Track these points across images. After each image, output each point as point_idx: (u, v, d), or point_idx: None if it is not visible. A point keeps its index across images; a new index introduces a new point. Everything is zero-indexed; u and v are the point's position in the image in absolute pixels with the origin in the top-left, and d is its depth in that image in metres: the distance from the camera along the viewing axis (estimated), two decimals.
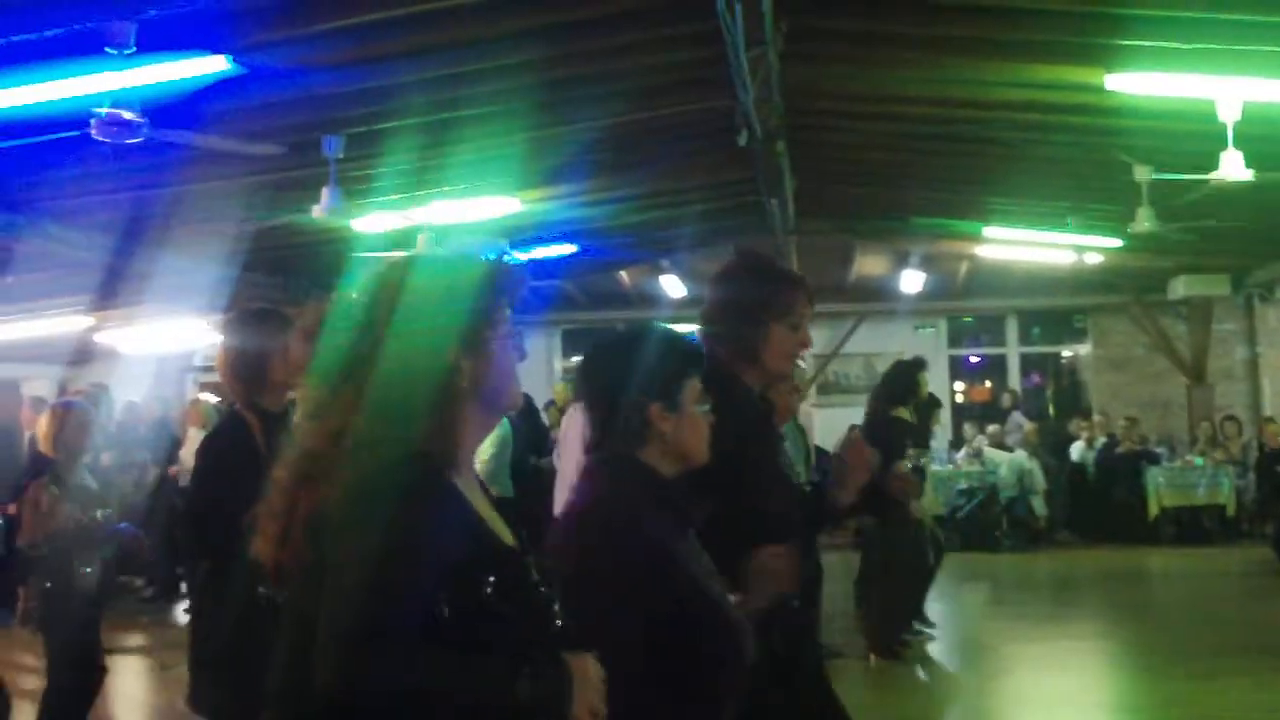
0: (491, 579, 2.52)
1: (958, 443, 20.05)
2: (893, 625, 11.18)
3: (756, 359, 4.06)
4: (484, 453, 12.31)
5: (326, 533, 2.46)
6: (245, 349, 5.33)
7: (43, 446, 7.30)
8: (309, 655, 2.41)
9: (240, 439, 5.18)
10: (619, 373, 3.20)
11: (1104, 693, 9.91)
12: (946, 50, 9.77)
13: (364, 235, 12.38)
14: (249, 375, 5.30)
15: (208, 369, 18.82)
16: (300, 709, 2.48)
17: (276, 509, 2.61)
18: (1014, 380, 22.95)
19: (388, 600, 2.39)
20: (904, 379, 11.11)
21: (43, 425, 7.31)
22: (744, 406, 3.91)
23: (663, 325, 3.43)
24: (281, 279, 15.68)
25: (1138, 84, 9.00)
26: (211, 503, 5.04)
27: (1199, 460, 18.39)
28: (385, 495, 2.45)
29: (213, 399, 15.43)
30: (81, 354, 17.61)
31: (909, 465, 7.89)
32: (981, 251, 18.01)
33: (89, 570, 6.95)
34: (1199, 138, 10.01)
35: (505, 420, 12.77)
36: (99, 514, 7.14)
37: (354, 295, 2.74)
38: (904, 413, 10.89)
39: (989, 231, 16.20)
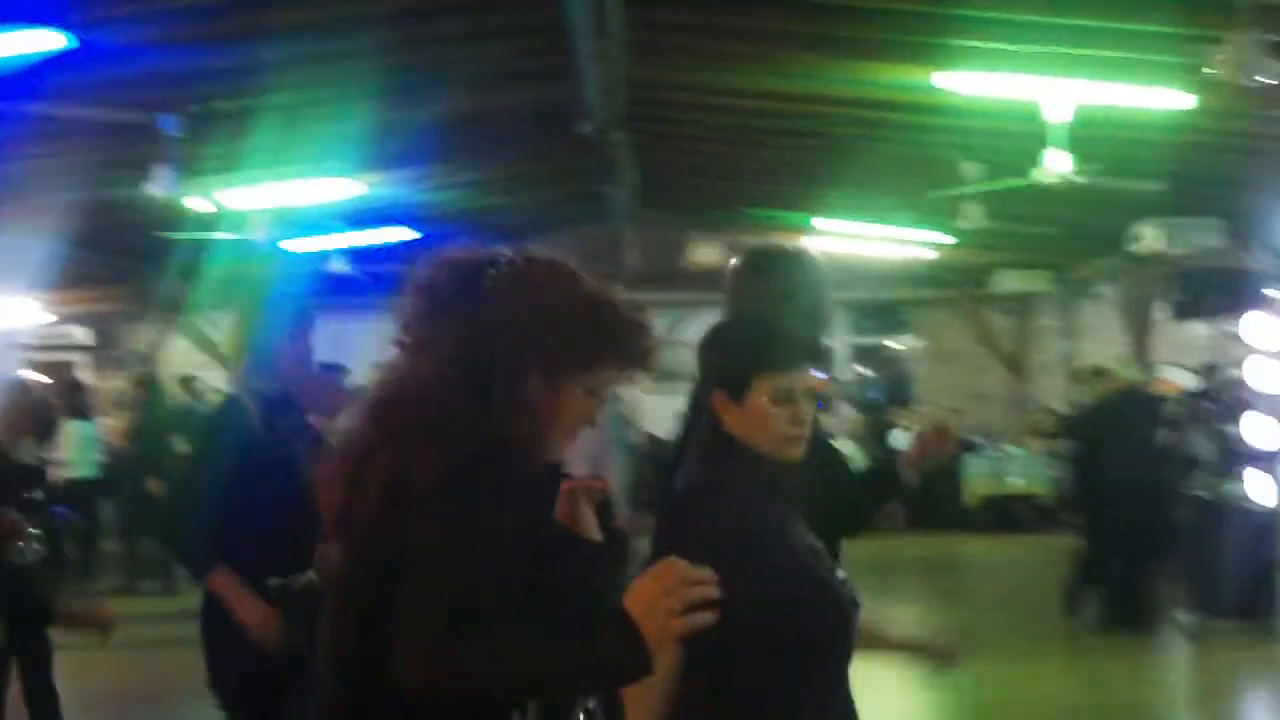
0: (564, 567, 2.56)
1: None
2: None
3: None
4: None
5: (406, 504, 2.42)
6: None
7: None
8: (366, 631, 2.42)
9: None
10: (703, 357, 3.27)
11: (918, 674, 10.18)
12: (784, 45, 9.96)
13: (200, 215, 12.25)
14: None
15: (41, 348, 18.38)
16: (364, 693, 2.48)
17: (350, 460, 2.58)
18: (841, 370, 23.33)
19: (478, 590, 2.36)
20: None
21: None
22: None
23: (767, 318, 3.47)
24: (113, 257, 15.43)
25: (964, 83, 9.26)
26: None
27: (1016, 450, 18.92)
28: (475, 479, 2.43)
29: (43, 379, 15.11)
30: None
31: None
32: (813, 243, 18.28)
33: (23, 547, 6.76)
34: (1025, 137, 10.32)
35: None
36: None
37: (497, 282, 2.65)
38: None
39: (820, 224, 16.48)
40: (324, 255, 15.75)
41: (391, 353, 2.73)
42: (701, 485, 3.13)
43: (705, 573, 2.37)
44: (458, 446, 2.45)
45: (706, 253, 20.77)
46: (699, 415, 3.29)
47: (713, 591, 2.37)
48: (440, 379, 2.53)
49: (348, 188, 12.44)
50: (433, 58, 9.97)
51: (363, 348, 20.34)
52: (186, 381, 14.49)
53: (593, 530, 2.81)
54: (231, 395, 5.55)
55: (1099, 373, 13.02)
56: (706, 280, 21.54)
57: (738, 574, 2.57)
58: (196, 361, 18.01)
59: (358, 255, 16.28)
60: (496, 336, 2.55)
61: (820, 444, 3.51)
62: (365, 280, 17.47)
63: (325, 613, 2.62)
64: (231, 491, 4.88)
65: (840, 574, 3.18)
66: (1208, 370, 16.79)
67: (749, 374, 3.09)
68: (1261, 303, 12.07)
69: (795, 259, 4.24)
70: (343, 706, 2.54)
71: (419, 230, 15.80)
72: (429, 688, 2.34)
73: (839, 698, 3.23)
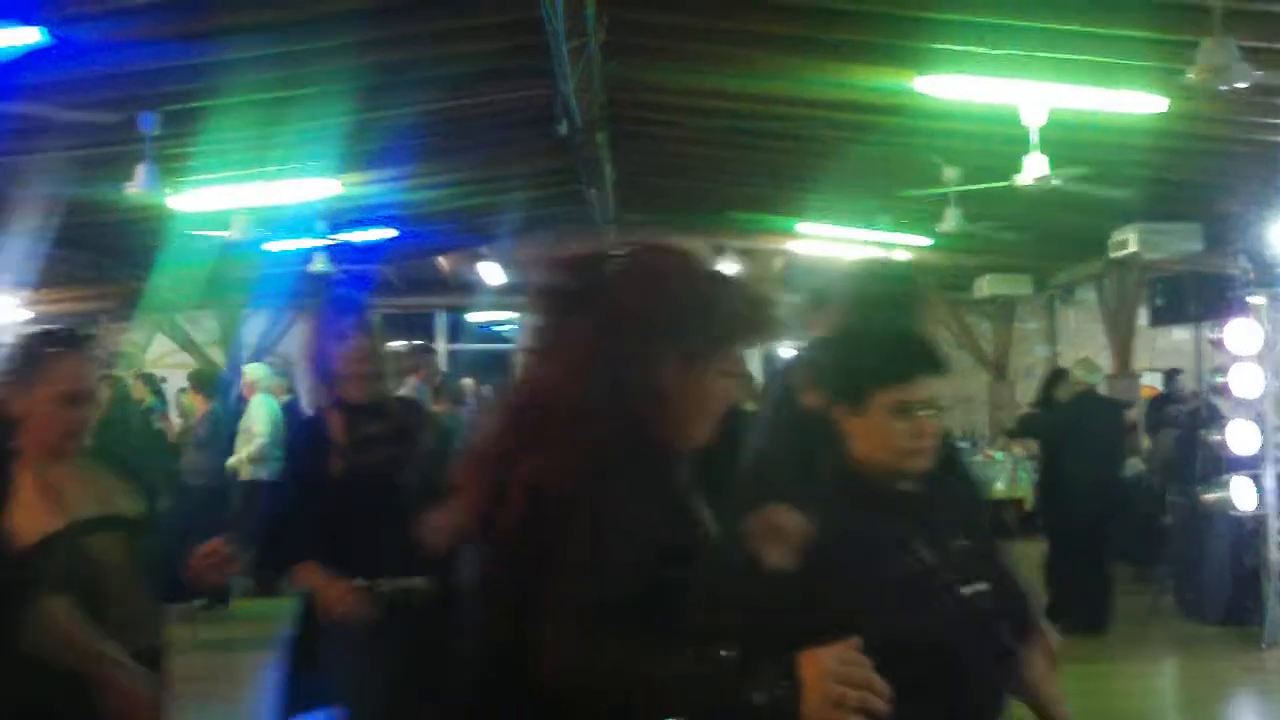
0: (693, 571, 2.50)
1: None
2: None
3: None
4: (259, 431, 12.32)
5: (550, 506, 2.44)
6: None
7: None
8: (511, 631, 2.44)
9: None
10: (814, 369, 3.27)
11: None
12: (765, 48, 9.97)
13: (180, 214, 12.22)
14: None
15: None
16: (506, 691, 2.50)
17: (490, 463, 2.59)
18: None
19: (617, 581, 2.37)
20: None
21: None
22: None
23: (883, 329, 3.37)
24: (94, 256, 15.39)
25: (945, 87, 9.28)
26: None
27: (999, 455, 18.93)
28: (615, 471, 2.45)
29: None
30: None
31: None
32: (795, 247, 18.32)
33: None
34: (1004, 141, 10.36)
35: (271, 400, 12.76)
36: None
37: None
38: None
39: (803, 227, 16.50)
40: (305, 255, 15.73)
41: (522, 359, 2.71)
42: (848, 530, 2.99)
43: (884, 687, 2.32)
44: (600, 446, 2.46)
45: None
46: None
47: (882, 707, 2.32)
48: (577, 380, 2.52)
49: (327, 187, 12.41)
50: (412, 56, 9.94)
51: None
52: (149, 380, 14.43)
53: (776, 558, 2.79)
54: (301, 407, 5.61)
55: (1058, 375, 13.05)
56: None
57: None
58: (179, 361, 18.02)
59: (338, 254, 16.25)
60: (627, 331, 2.53)
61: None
62: (345, 280, 17.46)
63: (467, 613, 2.67)
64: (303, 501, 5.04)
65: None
66: (1169, 376, 16.88)
67: (868, 387, 3.04)
68: (1240, 308, 12.08)
69: (900, 269, 4.32)
70: (484, 705, 2.56)
71: (396, 230, 15.80)
72: (569, 684, 2.35)
73: None
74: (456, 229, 17.20)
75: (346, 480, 4.98)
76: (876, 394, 3.02)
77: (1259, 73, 7.51)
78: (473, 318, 22.60)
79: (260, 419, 12.39)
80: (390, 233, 15.91)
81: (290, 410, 12.36)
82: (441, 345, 22.24)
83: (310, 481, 5.06)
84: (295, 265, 15.99)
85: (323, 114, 10.42)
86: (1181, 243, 13.49)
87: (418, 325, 21.71)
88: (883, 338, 3.25)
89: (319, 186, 12.40)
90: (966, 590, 3.01)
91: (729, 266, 20.27)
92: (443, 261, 20.94)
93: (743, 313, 2.64)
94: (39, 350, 3.72)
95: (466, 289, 21.10)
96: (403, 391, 11.61)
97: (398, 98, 10.59)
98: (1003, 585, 3.09)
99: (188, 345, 18.58)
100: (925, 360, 3.11)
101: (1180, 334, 17.56)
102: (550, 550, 2.40)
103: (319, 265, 15.75)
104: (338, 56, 9.28)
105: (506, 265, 19.87)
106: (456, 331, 22.58)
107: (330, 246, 15.65)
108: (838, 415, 3.06)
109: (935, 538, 3.02)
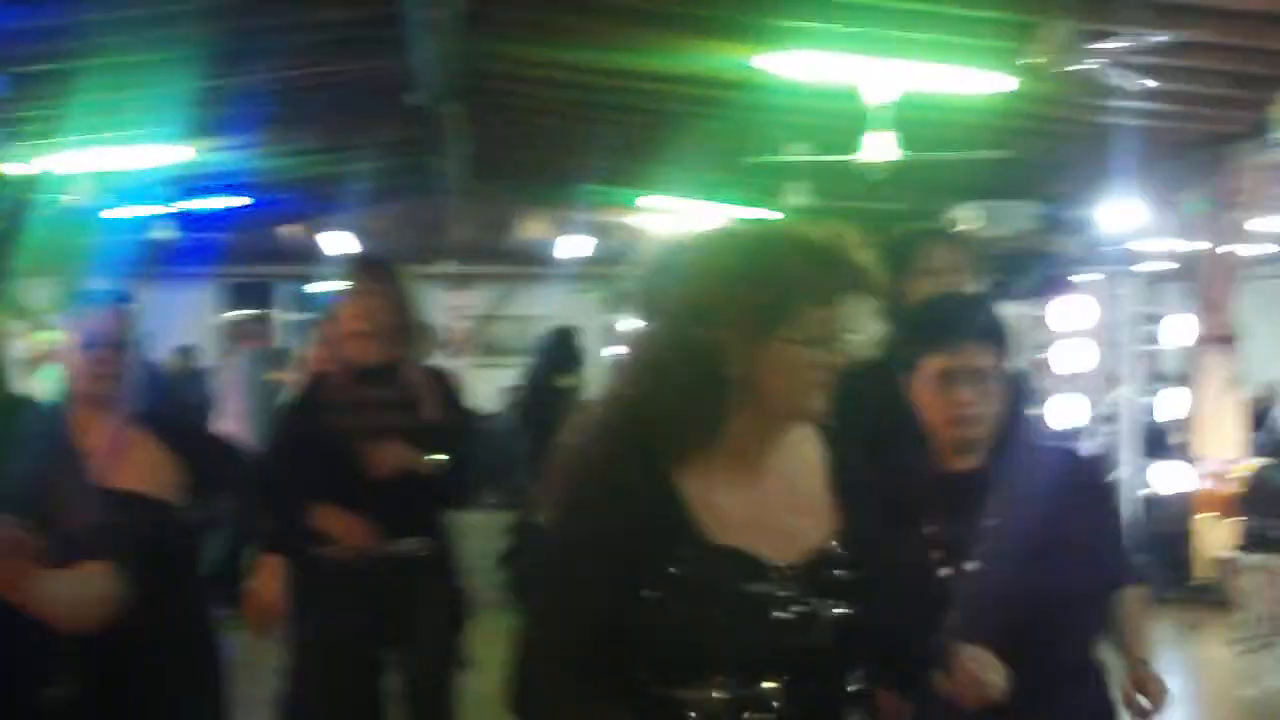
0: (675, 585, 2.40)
1: None
2: None
3: None
4: None
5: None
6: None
7: None
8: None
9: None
10: None
11: None
12: (614, 21, 10.08)
13: (23, 179, 11.99)
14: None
15: None
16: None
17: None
18: None
19: (549, 612, 2.48)
20: (564, 345, 11.34)
21: None
22: None
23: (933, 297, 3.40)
24: None
25: (786, 63, 9.44)
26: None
27: None
28: (583, 486, 2.49)
29: None
30: None
31: None
32: (641, 220, 18.47)
33: None
34: (849, 117, 10.55)
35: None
36: None
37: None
38: (568, 379, 11.13)
39: (649, 200, 16.65)
40: (151, 221, 15.51)
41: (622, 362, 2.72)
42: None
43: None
44: (699, 434, 2.44)
45: (535, 227, 20.86)
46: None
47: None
48: (664, 374, 2.48)
49: (175, 153, 12.26)
50: (266, 23, 9.88)
51: (186, 315, 20.14)
52: None
53: None
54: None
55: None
56: (534, 255, 21.73)
57: None
58: (14, 329, 17.63)
59: (185, 222, 16.04)
60: (689, 319, 2.46)
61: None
62: (190, 247, 17.23)
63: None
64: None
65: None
66: None
67: (917, 353, 3.12)
68: (1069, 285, 12.51)
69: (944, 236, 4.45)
70: None
71: (248, 197, 15.64)
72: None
73: None
74: (307, 197, 17.08)
75: (335, 444, 4.94)
76: (922, 360, 3.14)
77: (1095, 56, 7.80)
78: (318, 287, 22.35)
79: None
80: (241, 200, 15.74)
81: None
82: (284, 315, 22.02)
83: (300, 444, 5.06)
84: (140, 232, 15.76)
85: (173, 79, 10.30)
86: (1017, 221, 13.85)
87: (261, 294, 21.49)
88: (927, 304, 3.37)
89: (168, 152, 12.23)
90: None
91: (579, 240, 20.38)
92: (289, 230, 20.73)
93: (799, 274, 2.44)
94: None
95: (314, 258, 20.91)
96: (237, 359, 11.51)
97: (250, 64, 10.51)
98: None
99: (23, 313, 18.19)
100: (969, 327, 3.19)
101: (1015, 310, 17.97)
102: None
103: (164, 232, 15.54)
104: (189, 21, 9.19)
105: (357, 234, 19.72)
106: (298, 301, 22.35)
107: (177, 213, 15.44)
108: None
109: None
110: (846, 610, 2.44)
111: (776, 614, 2.39)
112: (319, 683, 4.98)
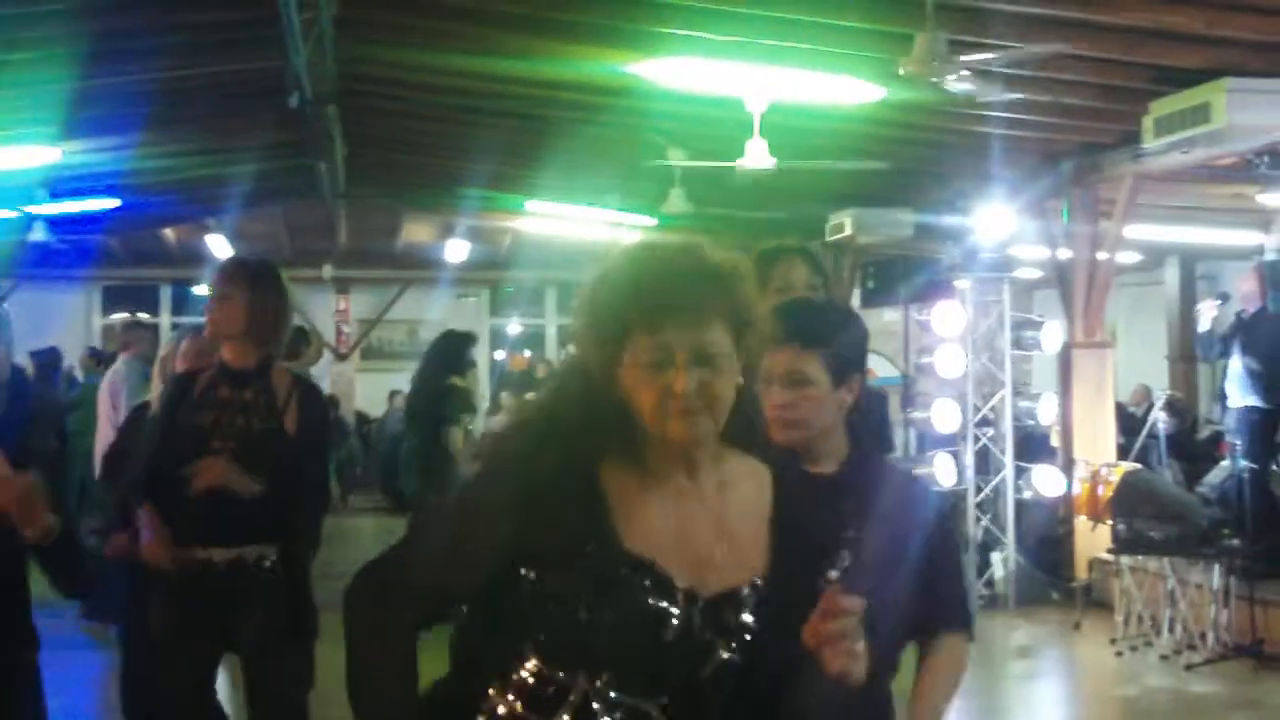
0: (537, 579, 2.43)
1: (494, 409, 20.52)
2: None
3: None
4: None
5: None
6: None
7: None
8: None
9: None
10: None
11: None
12: (496, 26, 10.04)
13: None
14: None
15: None
16: None
17: None
18: (552, 350, 23.64)
19: (414, 549, 2.56)
20: (458, 348, 11.39)
21: None
22: None
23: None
24: None
25: (668, 71, 9.49)
26: None
27: None
28: (500, 460, 2.54)
29: None
30: None
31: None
32: (524, 225, 18.50)
33: None
34: (728, 124, 10.63)
35: None
36: None
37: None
38: (459, 381, 11.18)
39: (532, 205, 16.66)
40: (22, 223, 15.27)
41: None
42: None
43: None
44: (604, 443, 2.47)
45: (419, 232, 20.79)
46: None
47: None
48: (563, 388, 2.56)
49: (45, 154, 12.07)
50: (139, 23, 9.74)
51: (62, 319, 19.85)
52: None
53: None
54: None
55: None
56: (419, 259, 21.66)
57: None
58: None
59: (57, 225, 15.79)
60: (570, 340, 2.58)
61: None
62: (65, 250, 16.98)
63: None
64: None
65: None
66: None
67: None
68: (946, 292, 12.67)
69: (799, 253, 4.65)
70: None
71: (118, 199, 15.42)
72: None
73: None
74: (184, 200, 16.87)
75: (193, 437, 4.97)
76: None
77: (965, 68, 7.92)
78: (199, 290, 22.17)
79: None
80: (112, 202, 15.51)
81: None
82: (166, 319, 21.81)
83: (166, 433, 5.08)
84: (12, 234, 15.52)
85: (42, 79, 10.15)
86: (894, 228, 14.04)
87: (144, 297, 21.26)
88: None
89: (37, 154, 12.04)
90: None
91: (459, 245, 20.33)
92: (175, 233, 20.50)
93: (631, 299, 2.42)
94: None
95: (193, 261, 20.72)
96: (115, 366, 11.37)
97: (123, 64, 10.36)
98: None
99: None
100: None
101: (891, 315, 18.17)
102: None
103: (37, 234, 15.30)
104: (60, 20, 9.06)
105: (234, 238, 19.56)
106: (182, 304, 22.15)
107: (49, 215, 15.21)
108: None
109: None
110: (733, 657, 2.43)
111: (667, 636, 2.39)
112: (154, 678, 5.09)
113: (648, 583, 2.39)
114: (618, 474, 2.46)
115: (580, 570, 2.38)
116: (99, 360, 16.96)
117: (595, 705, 2.38)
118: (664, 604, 2.39)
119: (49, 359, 16.40)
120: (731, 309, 2.43)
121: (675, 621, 2.39)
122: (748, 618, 2.44)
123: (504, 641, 2.45)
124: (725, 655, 2.42)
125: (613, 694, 2.38)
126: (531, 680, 2.42)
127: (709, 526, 2.47)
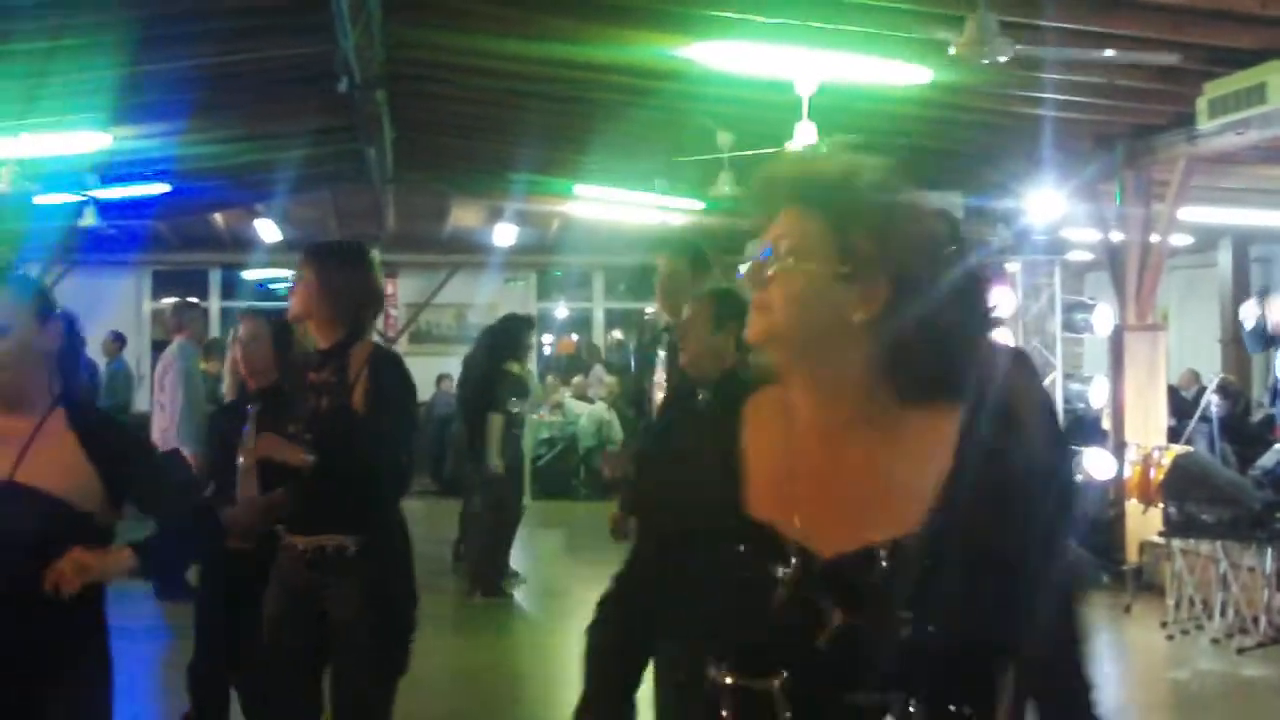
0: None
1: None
2: (495, 566, 11.62)
3: None
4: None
5: None
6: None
7: None
8: None
9: None
10: None
11: None
12: (545, 9, 10.04)
13: None
14: None
15: None
16: None
17: None
18: (598, 334, 23.63)
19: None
20: (515, 333, 11.42)
21: None
22: None
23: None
24: None
25: (718, 54, 9.46)
26: None
27: None
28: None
29: None
30: None
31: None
32: (572, 208, 18.48)
33: None
34: (778, 108, 10.58)
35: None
36: None
37: None
38: (514, 367, 11.20)
39: (580, 190, 16.65)
40: (74, 209, 15.37)
41: None
42: None
43: None
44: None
45: (467, 216, 20.81)
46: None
47: None
48: None
49: (97, 140, 12.13)
50: (189, 8, 9.79)
51: (113, 304, 19.97)
52: None
53: None
54: None
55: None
56: (466, 244, 21.68)
57: None
58: None
59: (108, 210, 15.89)
60: None
61: None
62: (116, 235, 17.07)
63: None
64: None
65: None
66: None
67: None
68: (997, 274, 12.60)
69: None
70: None
71: (169, 184, 15.50)
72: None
73: None
74: (233, 185, 16.95)
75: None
76: None
77: (1018, 47, 7.86)
78: (248, 275, 22.31)
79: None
80: (162, 188, 15.59)
81: None
82: (215, 303, 21.92)
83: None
84: (64, 220, 15.62)
85: (94, 65, 10.21)
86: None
87: (193, 282, 21.38)
88: None
89: (89, 139, 12.10)
90: None
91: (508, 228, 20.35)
92: (224, 218, 20.61)
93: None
94: None
95: (242, 245, 20.84)
96: (170, 350, 11.49)
97: (173, 50, 10.41)
98: None
99: None
100: None
101: None
102: None
103: (88, 219, 15.40)
104: (109, 7, 9.10)
105: (283, 223, 19.64)
106: (231, 289, 22.28)
107: (100, 201, 15.30)
108: None
109: None
110: (855, 622, 2.14)
111: (772, 604, 2.17)
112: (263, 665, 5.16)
113: (755, 548, 2.20)
114: (764, 428, 2.32)
115: (707, 549, 2.27)
116: (122, 345, 17.14)
117: (718, 694, 2.23)
118: (771, 569, 2.18)
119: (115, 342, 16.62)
120: (824, 202, 2.26)
121: (781, 588, 2.17)
122: (880, 579, 2.15)
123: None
124: (843, 621, 2.15)
125: (728, 680, 2.21)
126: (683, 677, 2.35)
127: (860, 477, 2.23)
